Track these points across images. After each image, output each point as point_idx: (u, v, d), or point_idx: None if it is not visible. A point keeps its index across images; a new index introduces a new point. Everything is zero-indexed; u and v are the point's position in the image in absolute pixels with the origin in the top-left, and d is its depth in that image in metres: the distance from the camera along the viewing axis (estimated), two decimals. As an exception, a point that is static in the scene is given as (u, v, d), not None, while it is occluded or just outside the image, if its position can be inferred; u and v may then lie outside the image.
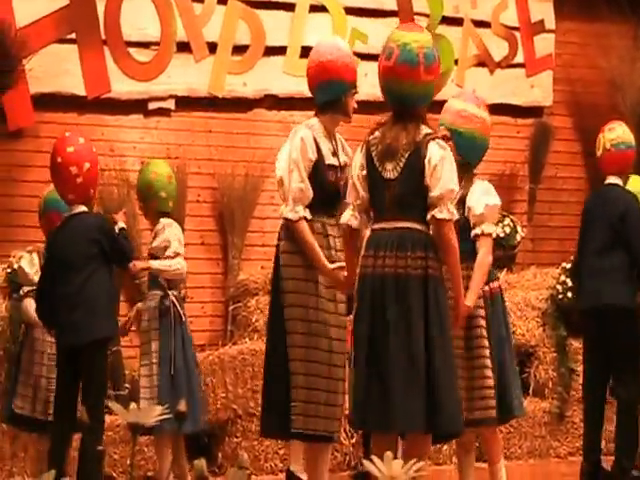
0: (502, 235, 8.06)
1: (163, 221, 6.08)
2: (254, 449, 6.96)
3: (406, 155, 4.21)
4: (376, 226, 4.30)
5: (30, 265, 6.13)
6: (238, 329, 7.77)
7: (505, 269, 8.03)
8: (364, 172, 4.30)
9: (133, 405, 1.39)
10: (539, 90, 9.01)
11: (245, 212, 8.04)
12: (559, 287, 7.70)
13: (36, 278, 5.90)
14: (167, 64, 7.91)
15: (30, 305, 5.97)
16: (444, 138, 4.29)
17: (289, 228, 4.80)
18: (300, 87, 8.22)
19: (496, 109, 8.63)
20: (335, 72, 4.88)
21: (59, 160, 5.54)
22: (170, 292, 5.97)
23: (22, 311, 6.16)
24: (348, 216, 4.40)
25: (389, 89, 4.36)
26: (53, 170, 5.62)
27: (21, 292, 6.22)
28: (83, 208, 5.57)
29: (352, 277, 4.38)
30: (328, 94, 4.93)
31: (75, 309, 5.33)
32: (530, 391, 7.51)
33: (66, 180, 5.53)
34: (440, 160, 4.18)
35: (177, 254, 6.00)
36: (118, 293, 5.78)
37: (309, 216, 4.77)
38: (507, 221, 8.24)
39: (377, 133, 4.33)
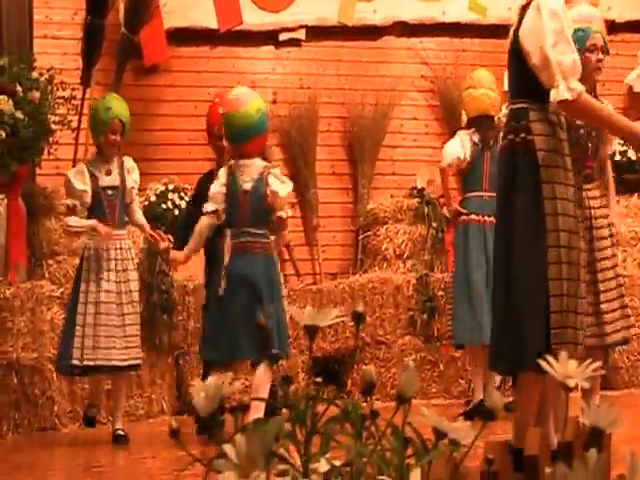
0: (634, 159, 7.90)
1: None
2: (381, 376, 7.04)
3: None
4: None
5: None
6: (368, 258, 7.84)
7: (636, 193, 7.90)
8: None
9: (309, 308, 1.45)
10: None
11: (375, 141, 8.06)
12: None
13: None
14: (297, -6, 7.93)
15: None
16: None
17: (550, 120, 3.86)
18: (430, 12, 8.16)
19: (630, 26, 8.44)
20: None
21: None
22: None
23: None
24: None
25: None
26: None
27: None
28: None
29: None
30: None
31: None
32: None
33: None
34: None
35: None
36: None
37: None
38: None
39: None
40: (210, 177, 5.97)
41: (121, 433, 5.73)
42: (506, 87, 4.18)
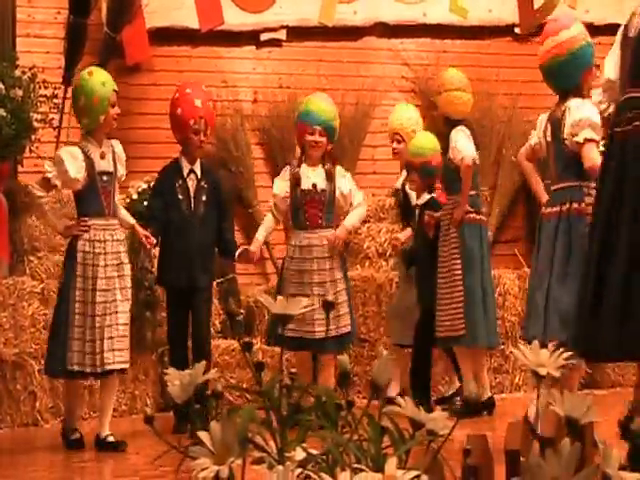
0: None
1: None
2: (366, 374, 7.06)
3: None
4: None
5: None
6: (349, 256, 7.85)
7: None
8: None
9: (281, 297, 1.46)
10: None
11: (355, 140, 8.09)
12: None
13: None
14: (278, -5, 7.97)
15: None
16: None
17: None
18: (410, 13, 8.21)
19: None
20: None
21: None
22: None
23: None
24: None
25: None
26: None
27: None
28: None
29: None
30: None
31: None
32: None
33: None
34: None
35: None
36: None
37: None
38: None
39: None
40: (177, 170, 5.95)
41: (112, 439, 5.27)
42: (607, 75, 4.21)
